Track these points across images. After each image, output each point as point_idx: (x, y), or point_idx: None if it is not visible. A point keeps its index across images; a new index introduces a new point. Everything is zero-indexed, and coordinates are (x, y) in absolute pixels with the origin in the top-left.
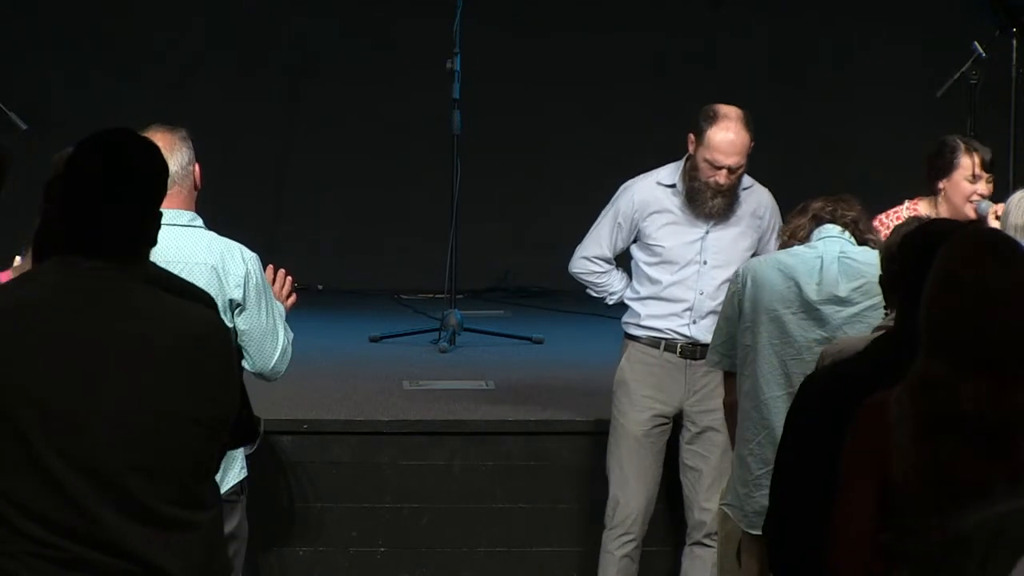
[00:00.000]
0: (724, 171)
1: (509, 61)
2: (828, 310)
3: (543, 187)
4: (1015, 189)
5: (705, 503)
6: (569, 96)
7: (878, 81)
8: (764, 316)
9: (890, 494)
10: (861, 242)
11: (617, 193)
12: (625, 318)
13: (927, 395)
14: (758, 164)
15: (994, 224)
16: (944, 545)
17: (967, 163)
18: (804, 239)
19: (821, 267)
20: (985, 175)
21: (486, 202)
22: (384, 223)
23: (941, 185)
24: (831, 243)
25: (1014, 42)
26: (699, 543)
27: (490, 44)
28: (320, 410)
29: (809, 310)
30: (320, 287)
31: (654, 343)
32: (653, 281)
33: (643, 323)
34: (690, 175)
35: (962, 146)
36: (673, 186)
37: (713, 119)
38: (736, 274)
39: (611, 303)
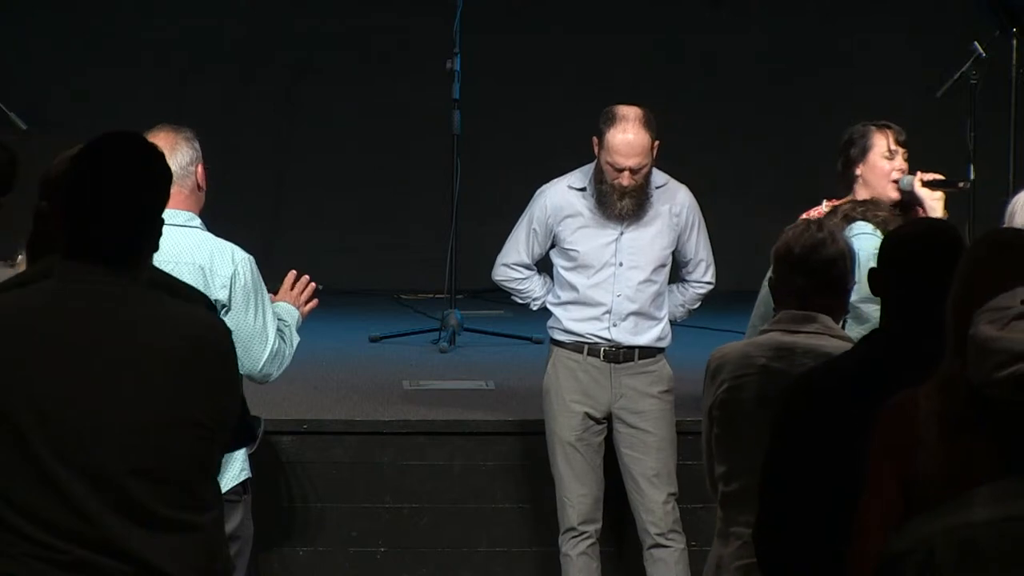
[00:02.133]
0: (626, 173)
1: (509, 61)
2: (867, 308)
3: None
4: (1015, 189)
5: (650, 504)
6: (569, 96)
7: (878, 81)
8: None
9: (913, 493)
10: None
11: (533, 198)
12: (549, 323)
13: (948, 394)
14: (758, 163)
15: (920, 191)
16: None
17: (881, 141)
18: None
19: (858, 266)
20: (901, 150)
21: (486, 202)
22: (384, 223)
23: (858, 171)
24: (864, 240)
25: (1014, 42)
26: (657, 545)
27: (490, 44)
28: (320, 410)
29: (850, 309)
30: (320, 287)
31: (577, 348)
32: (572, 286)
33: (566, 328)
34: (597, 178)
35: (872, 127)
36: (584, 189)
37: (612, 121)
38: None
39: (535, 308)
